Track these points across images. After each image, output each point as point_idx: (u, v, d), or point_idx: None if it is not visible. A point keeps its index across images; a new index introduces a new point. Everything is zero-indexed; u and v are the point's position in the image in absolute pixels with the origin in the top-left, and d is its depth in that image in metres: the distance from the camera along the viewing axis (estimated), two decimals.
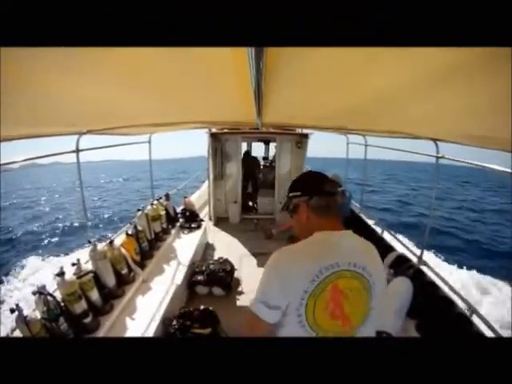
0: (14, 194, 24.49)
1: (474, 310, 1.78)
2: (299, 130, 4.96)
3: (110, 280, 1.95)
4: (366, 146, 3.70)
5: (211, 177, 4.90)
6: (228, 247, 3.97)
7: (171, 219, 3.49)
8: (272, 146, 6.99)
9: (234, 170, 5.18)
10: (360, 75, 0.84)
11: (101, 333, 1.65)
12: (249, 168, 5.71)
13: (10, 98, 0.80)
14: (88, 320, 1.61)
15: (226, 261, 3.10)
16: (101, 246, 2.01)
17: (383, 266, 0.87)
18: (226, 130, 4.95)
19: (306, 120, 2.42)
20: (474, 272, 6.74)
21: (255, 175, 6.22)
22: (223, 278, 2.81)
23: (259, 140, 7.12)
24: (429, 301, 2.01)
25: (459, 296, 1.98)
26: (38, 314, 1.37)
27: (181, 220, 3.73)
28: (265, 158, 7.98)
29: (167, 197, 3.66)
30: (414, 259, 2.51)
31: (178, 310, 2.12)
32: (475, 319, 1.74)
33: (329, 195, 0.86)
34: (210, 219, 4.96)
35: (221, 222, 5.03)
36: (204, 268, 2.87)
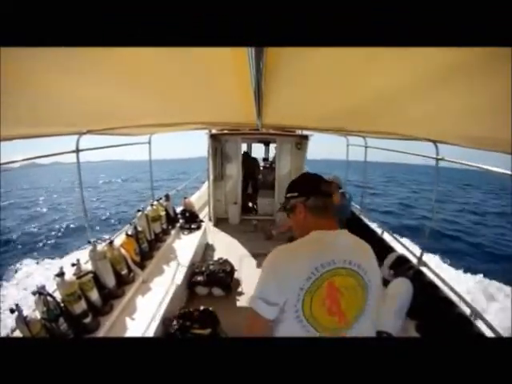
0: (12, 194, 24.34)
1: (474, 311, 1.78)
2: (299, 132, 4.96)
3: (110, 280, 1.95)
4: (365, 147, 3.70)
5: (211, 177, 4.90)
6: (228, 248, 3.97)
7: (171, 220, 3.48)
8: (272, 147, 6.99)
9: (234, 170, 5.18)
10: (360, 75, 0.84)
11: (101, 333, 1.65)
12: (249, 169, 5.71)
13: (10, 98, 0.80)
14: (88, 320, 1.61)
15: (226, 261, 3.10)
16: (100, 247, 2.01)
17: (378, 264, 0.89)
18: (225, 131, 4.95)
19: (307, 121, 2.42)
20: (481, 277, 6.58)
21: (255, 176, 6.22)
22: (223, 278, 2.80)
23: (259, 141, 7.11)
24: (429, 301, 2.01)
25: (459, 297, 1.98)
26: (37, 315, 1.37)
27: (181, 221, 3.73)
28: (265, 159, 7.97)
29: (167, 197, 3.66)
30: (414, 260, 2.51)
31: (177, 310, 2.12)
32: (475, 319, 1.74)
33: (325, 196, 0.90)
34: (210, 220, 4.96)
35: (221, 222, 5.03)
36: (204, 269, 2.86)
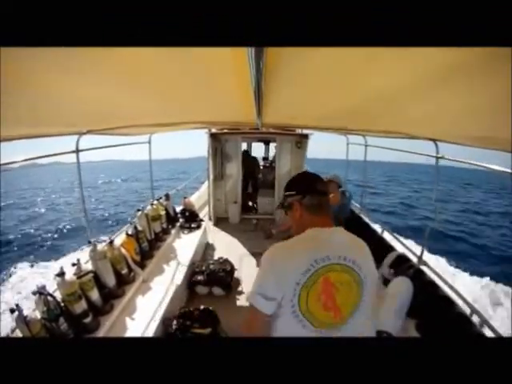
0: (10, 195, 24.17)
1: (473, 310, 1.78)
2: (299, 131, 4.96)
3: (110, 280, 1.95)
4: (365, 146, 3.69)
5: (211, 177, 4.90)
6: (228, 247, 3.97)
7: (171, 219, 3.49)
8: (272, 146, 6.99)
9: (234, 170, 5.18)
10: (360, 75, 0.84)
11: (101, 333, 1.65)
12: (249, 168, 5.71)
13: (10, 98, 0.80)
14: (88, 320, 1.61)
15: (226, 261, 3.10)
16: (101, 246, 2.02)
17: (373, 261, 0.90)
18: (225, 131, 4.95)
19: (306, 120, 2.42)
20: (487, 280, 6.37)
21: (255, 175, 6.22)
22: (223, 277, 2.81)
23: (259, 140, 7.12)
24: (429, 301, 2.01)
25: (459, 296, 1.98)
26: (38, 314, 1.37)
27: (181, 220, 3.73)
28: (265, 159, 7.98)
29: (167, 197, 3.66)
30: (415, 259, 2.52)
31: (178, 309, 2.12)
32: (475, 319, 1.74)
33: (321, 194, 0.92)
34: (210, 219, 4.96)
35: (221, 222, 5.03)
36: (204, 268, 2.86)
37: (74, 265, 1.68)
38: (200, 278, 2.77)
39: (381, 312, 1.94)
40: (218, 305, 2.33)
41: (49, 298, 1.38)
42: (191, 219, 3.82)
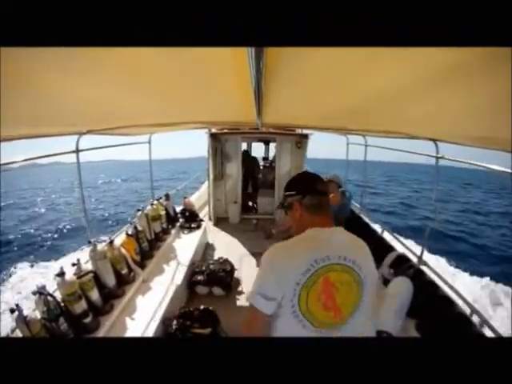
0: (10, 195, 24.03)
1: (473, 310, 1.78)
2: (299, 131, 4.96)
3: (110, 280, 1.95)
4: (365, 146, 3.70)
5: (211, 177, 4.89)
6: (228, 247, 3.97)
7: (171, 219, 3.48)
8: (272, 146, 6.98)
9: (234, 170, 5.18)
10: (360, 75, 0.84)
11: (101, 333, 1.65)
12: (249, 168, 5.71)
13: (10, 98, 0.80)
14: (88, 320, 1.61)
15: (226, 261, 3.10)
16: (101, 246, 2.02)
17: (373, 261, 0.90)
18: (225, 131, 4.95)
19: (306, 120, 2.42)
20: (487, 279, 6.32)
21: (255, 175, 6.22)
22: (223, 277, 2.80)
23: (259, 140, 7.11)
24: (429, 300, 2.01)
25: (459, 296, 1.98)
26: (38, 314, 1.37)
27: (181, 220, 3.73)
28: (265, 159, 7.97)
29: (167, 197, 3.66)
30: (415, 259, 2.52)
31: (178, 309, 2.12)
32: (475, 319, 1.74)
33: (321, 194, 0.93)
34: (210, 219, 4.96)
35: (221, 222, 5.03)
36: (204, 268, 2.86)
37: (74, 265, 1.68)
38: (200, 277, 2.77)
39: (381, 312, 1.94)
40: (218, 305, 2.33)
41: (49, 297, 1.38)
42: (191, 219, 3.82)
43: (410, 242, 2.70)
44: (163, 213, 3.18)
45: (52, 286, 1.53)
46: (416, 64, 0.66)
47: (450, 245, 9.66)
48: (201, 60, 0.70)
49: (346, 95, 1.15)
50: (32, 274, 7.23)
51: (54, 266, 7.12)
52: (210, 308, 2.16)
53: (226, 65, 0.76)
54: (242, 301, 2.76)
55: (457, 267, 7.26)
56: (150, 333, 1.76)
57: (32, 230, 12.40)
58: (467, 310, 1.81)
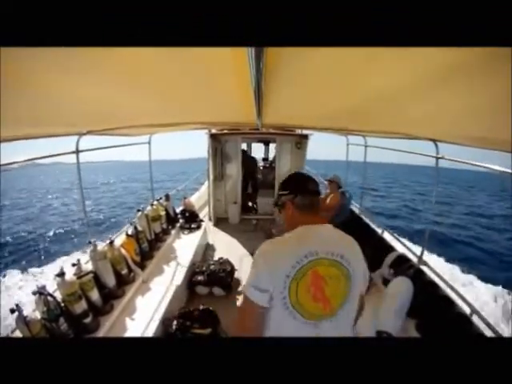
0: (8, 196, 23.63)
1: (473, 310, 1.78)
2: (299, 131, 4.96)
3: (110, 280, 1.95)
4: (365, 146, 3.70)
5: (211, 177, 4.90)
6: (228, 247, 3.97)
7: (171, 220, 3.48)
8: (272, 146, 6.98)
9: (234, 170, 5.18)
10: (360, 75, 0.84)
11: (101, 333, 1.65)
12: (248, 168, 5.72)
13: (10, 98, 0.80)
14: (88, 320, 1.61)
15: (226, 261, 3.10)
16: (101, 247, 2.01)
17: (363, 256, 0.94)
18: (225, 131, 4.95)
19: (307, 120, 2.42)
20: (499, 288, 5.97)
21: (255, 176, 6.22)
22: (223, 278, 2.81)
23: (259, 141, 7.12)
24: (429, 300, 2.01)
25: (460, 296, 1.98)
26: (38, 315, 1.37)
27: (181, 220, 3.73)
28: (264, 159, 7.97)
29: (167, 197, 3.66)
30: (415, 259, 2.52)
31: (177, 310, 2.12)
32: (475, 319, 1.74)
33: (312, 194, 0.97)
34: (210, 220, 4.96)
35: (221, 222, 5.03)
36: (204, 268, 2.87)
37: (74, 265, 1.68)
38: (200, 278, 2.77)
39: (381, 312, 1.94)
40: (218, 305, 2.33)
41: (49, 298, 1.38)
42: (191, 220, 3.82)
43: (417, 249, 2.63)
44: (163, 213, 3.18)
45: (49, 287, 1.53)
46: (416, 64, 0.66)
47: (459, 251, 9.36)
48: (201, 60, 0.70)
49: (346, 95, 1.15)
50: (21, 281, 6.78)
51: (44, 271, 6.95)
52: (210, 308, 2.16)
53: (226, 65, 0.76)
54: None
55: (468, 273, 6.90)
56: (149, 333, 1.75)
57: (25, 234, 11.96)
58: (467, 310, 1.81)
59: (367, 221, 3.70)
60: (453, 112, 1.09)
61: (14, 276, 7.03)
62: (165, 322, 1.95)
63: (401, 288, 2.06)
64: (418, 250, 2.70)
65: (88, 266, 1.82)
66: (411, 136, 2.12)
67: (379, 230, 3.31)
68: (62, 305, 1.49)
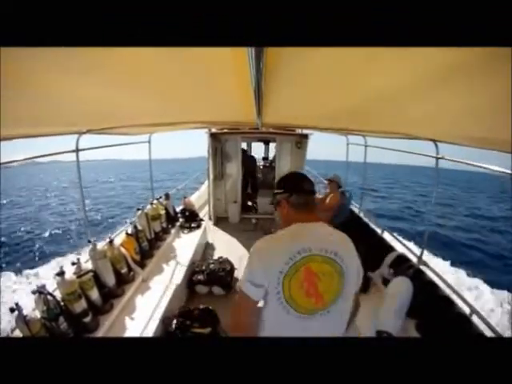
0: (5, 195, 23.25)
1: (473, 310, 1.78)
2: (299, 131, 4.96)
3: (110, 279, 1.95)
4: (365, 146, 3.70)
5: (211, 176, 4.90)
6: (228, 247, 3.97)
7: (171, 219, 3.48)
8: (272, 146, 6.97)
9: (234, 169, 5.18)
10: (360, 75, 0.84)
11: (100, 332, 1.65)
12: (249, 168, 5.71)
13: (10, 98, 0.80)
14: (88, 319, 1.61)
15: (226, 260, 3.10)
16: (101, 246, 2.02)
17: (357, 254, 0.95)
18: (225, 130, 4.95)
19: (307, 120, 2.42)
20: (505, 292, 5.81)
21: (255, 175, 6.22)
22: (223, 277, 2.81)
23: (259, 140, 7.11)
24: (429, 300, 2.01)
25: (459, 296, 1.98)
26: (37, 314, 1.37)
27: (181, 220, 3.73)
28: (264, 159, 7.97)
29: (167, 196, 3.66)
30: (414, 259, 2.52)
31: (177, 309, 2.12)
32: (475, 319, 1.74)
33: (307, 193, 1.00)
34: (210, 219, 4.96)
35: (220, 221, 5.03)
36: (204, 267, 2.87)
37: (73, 264, 1.68)
38: (200, 277, 2.77)
39: (381, 312, 1.94)
40: (218, 304, 2.33)
41: (48, 297, 1.38)
42: (191, 219, 3.82)
43: (428, 256, 2.55)
44: (163, 212, 3.17)
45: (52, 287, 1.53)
46: (416, 64, 0.66)
47: (463, 253, 9.26)
48: (201, 60, 0.70)
49: (346, 95, 1.15)
50: (16, 283, 6.58)
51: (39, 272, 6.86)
52: (210, 307, 2.16)
53: (226, 65, 0.76)
54: None
55: (474, 276, 6.74)
56: (149, 332, 1.76)
57: (22, 234, 11.81)
58: (467, 310, 1.81)
59: (367, 221, 3.70)
60: (453, 112, 1.09)
61: (8, 278, 6.78)
62: (164, 321, 1.95)
63: (401, 288, 2.06)
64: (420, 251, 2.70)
65: (88, 265, 1.82)
66: (411, 136, 2.12)
67: (379, 230, 3.31)
68: (62, 304, 1.49)
